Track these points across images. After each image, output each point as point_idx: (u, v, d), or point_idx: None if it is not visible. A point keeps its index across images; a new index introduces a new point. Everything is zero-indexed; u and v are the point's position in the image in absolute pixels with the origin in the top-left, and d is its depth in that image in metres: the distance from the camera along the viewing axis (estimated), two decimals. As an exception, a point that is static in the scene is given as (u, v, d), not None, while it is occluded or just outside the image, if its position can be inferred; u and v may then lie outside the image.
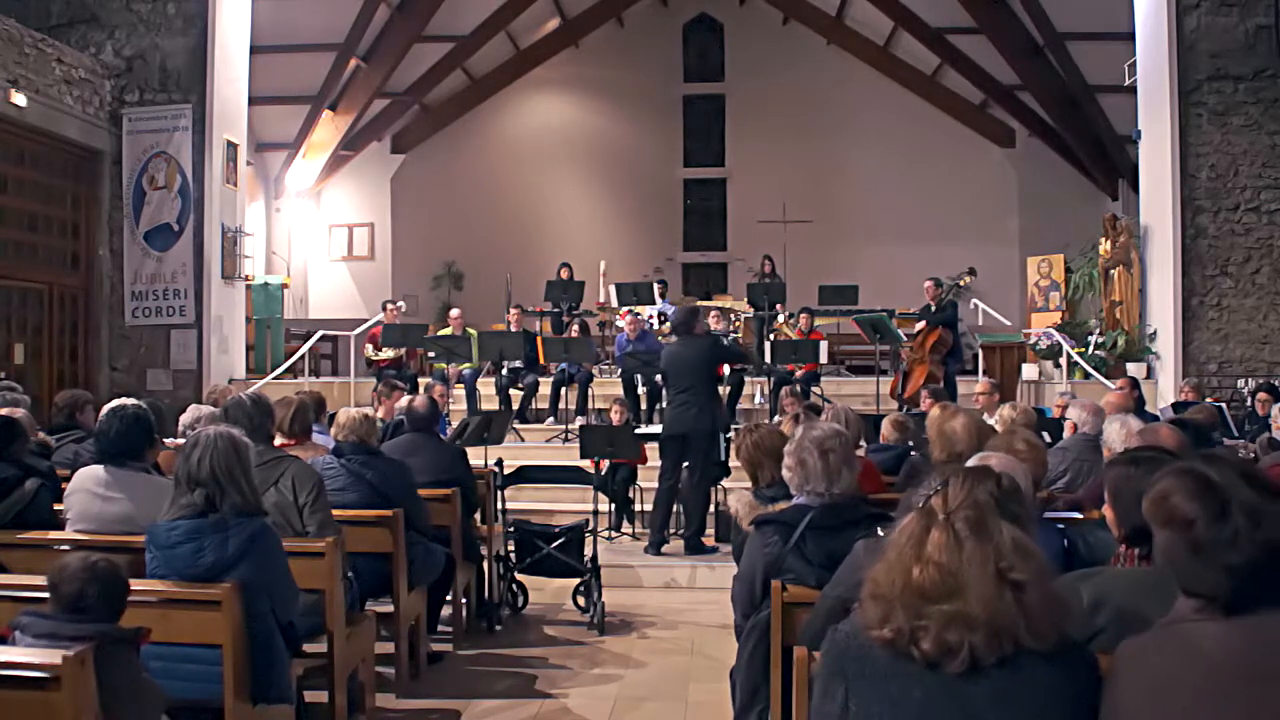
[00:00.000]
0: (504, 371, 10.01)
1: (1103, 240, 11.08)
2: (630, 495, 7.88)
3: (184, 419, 5.64)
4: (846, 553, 2.83)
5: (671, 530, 7.32)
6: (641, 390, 9.79)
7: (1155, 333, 10.38)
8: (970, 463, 2.59)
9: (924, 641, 1.62)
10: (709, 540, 7.15)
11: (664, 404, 9.04)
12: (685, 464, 7.14)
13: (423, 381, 9.17)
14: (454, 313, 10.88)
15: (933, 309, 10.20)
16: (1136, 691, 1.62)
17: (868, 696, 1.69)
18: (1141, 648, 1.67)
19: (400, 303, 11.58)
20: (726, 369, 9.95)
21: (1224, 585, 1.59)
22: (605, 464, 7.31)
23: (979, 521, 1.69)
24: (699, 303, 13.97)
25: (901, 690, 1.65)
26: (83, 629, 2.56)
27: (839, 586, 2.52)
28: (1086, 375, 10.17)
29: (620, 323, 11.68)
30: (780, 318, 11.35)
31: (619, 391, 9.76)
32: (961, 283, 10.45)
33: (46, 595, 2.70)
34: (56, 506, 3.91)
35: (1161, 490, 1.69)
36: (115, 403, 3.98)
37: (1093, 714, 1.66)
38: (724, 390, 9.44)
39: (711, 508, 7.38)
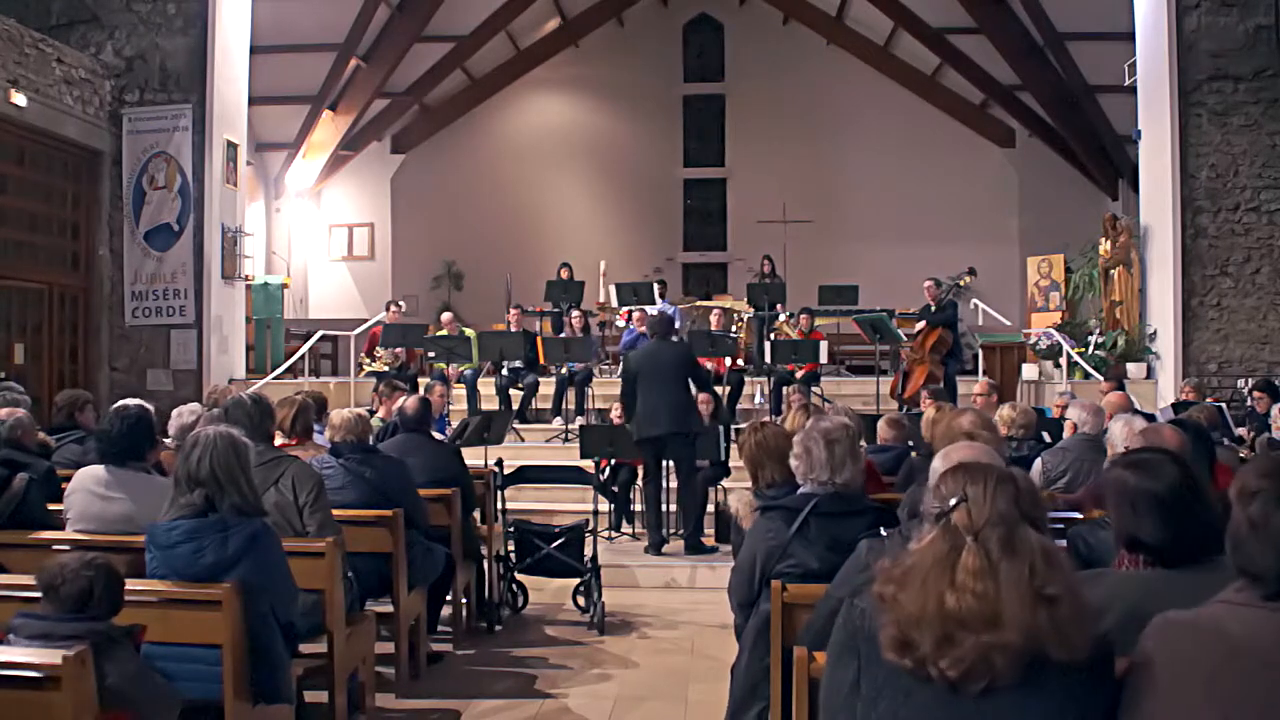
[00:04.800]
0: (504, 371, 10.00)
1: (1103, 240, 11.07)
2: (630, 496, 7.87)
3: (177, 421, 5.62)
4: (849, 539, 2.83)
5: (672, 530, 7.31)
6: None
7: (1155, 333, 10.38)
8: (935, 460, 2.53)
9: (950, 669, 1.58)
10: (709, 540, 7.14)
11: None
12: (669, 464, 7.09)
13: (422, 381, 9.17)
14: (445, 316, 10.89)
15: (933, 309, 10.19)
16: (1160, 666, 1.61)
17: (879, 684, 1.67)
18: (1171, 625, 1.65)
19: (401, 303, 11.59)
20: (726, 363, 9.95)
21: (1271, 566, 1.57)
22: (603, 464, 7.32)
23: (1009, 539, 1.63)
24: (699, 303, 13.98)
25: (913, 689, 1.64)
26: (78, 628, 2.55)
27: (843, 588, 2.51)
28: (1086, 375, 10.16)
29: (621, 323, 11.67)
30: (780, 318, 11.34)
31: (619, 391, 9.73)
32: (961, 283, 10.45)
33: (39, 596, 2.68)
34: (55, 506, 3.91)
35: (1243, 469, 1.70)
36: (119, 404, 3.97)
37: (1107, 713, 1.63)
38: (724, 390, 9.44)
39: (711, 507, 7.37)
